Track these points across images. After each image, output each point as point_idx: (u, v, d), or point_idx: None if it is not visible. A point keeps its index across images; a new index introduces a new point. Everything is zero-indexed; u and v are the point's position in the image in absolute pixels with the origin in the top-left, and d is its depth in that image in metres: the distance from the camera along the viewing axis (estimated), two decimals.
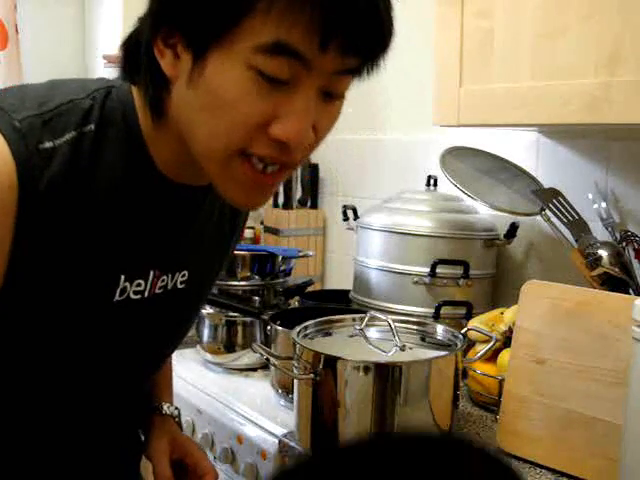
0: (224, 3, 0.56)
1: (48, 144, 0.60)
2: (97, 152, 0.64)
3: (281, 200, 1.98)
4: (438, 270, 1.30)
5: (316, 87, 0.60)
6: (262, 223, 1.97)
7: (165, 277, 0.73)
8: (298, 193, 1.96)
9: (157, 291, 0.73)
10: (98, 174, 0.64)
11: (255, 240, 1.92)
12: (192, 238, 0.76)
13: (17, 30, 2.06)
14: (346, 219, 1.58)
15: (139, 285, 0.70)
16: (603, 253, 1.14)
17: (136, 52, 0.65)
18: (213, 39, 0.58)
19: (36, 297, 0.63)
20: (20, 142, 0.59)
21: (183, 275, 0.76)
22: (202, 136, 0.62)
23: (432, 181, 1.46)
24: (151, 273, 0.71)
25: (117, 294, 0.68)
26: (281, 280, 1.60)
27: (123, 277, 0.68)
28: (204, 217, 0.77)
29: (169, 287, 0.75)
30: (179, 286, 0.76)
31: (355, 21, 0.56)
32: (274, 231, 1.92)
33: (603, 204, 1.26)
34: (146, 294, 0.71)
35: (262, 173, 0.63)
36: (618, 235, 1.20)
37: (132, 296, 0.70)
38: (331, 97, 0.62)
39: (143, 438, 0.90)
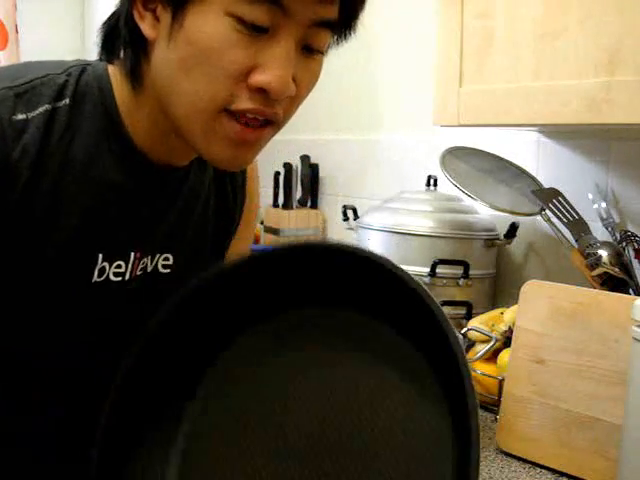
0: None
1: (21, 116, 0.60)
2: (71, 127, 0.63)
3: (281, 200, 1.99)
4: (438, 270, 1.30)
5: (295, 38, 0.60)
6: (262, 223, 1.97)
7: (146, 259, 0.72)
8: (298, 193, 1.97)
9: (137, 273, 0.72)
10: (72, 149, 0.63)
11: (255, 240, 1.93)
12: (175, 221, 0.75)
13: (17, 30, 2.07)
14: (346, 219, 1.58)
15: (119, 267, 0.69)
16: (603, 253, 1.14)
17: (116, 26, 0.66)
18: None
19: (11, 273, 0.63)
20: None
21: (166, 259, 0.75)
22: (183, 95, 0.61)
23: (432, 181, 1.46)
24: (132, 254, 0.70)
25: (95, 274, 0.67)
26: None
27: (101, 256, 0.67)
28: (188, 201, 0.75)
29: (149, 269, 0.73)
30: (161, 270, 0.75)
31: None
32: (274, 231, 1.92)
33: (603, 204, 1.26)
34: (127, 276, 0.70)
35: (250, 129, 0.62)
36: (618, 235, 1.20)
37: (112, 277, 0.69)
38: (310, 51, 0.63)
39: None
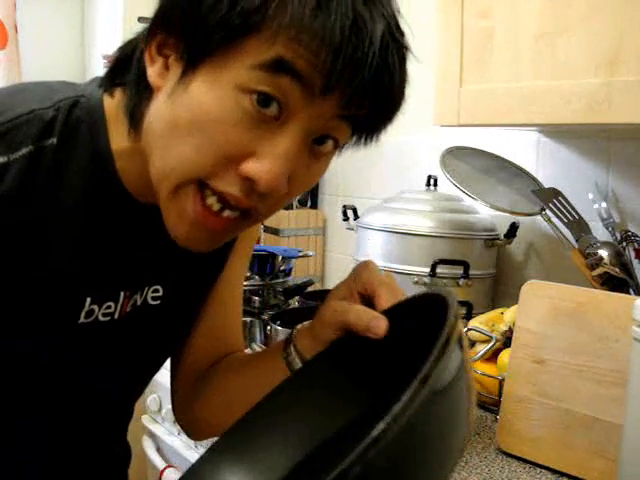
0: (229, 19, 0.51)
1: (1, 159, 0.56)
2: (58, 167, 0.59)
3: None
4: (438, 270, 1.30)
5: (306, 129, 0.54)
6: (262, 223, 1.98)
7: (136, 295, 0.69)
8: None
9: (127, 309, 0.69)
10: (58, 190, 0.59)
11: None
12: (165, 254, 0.70)
13: (17, 30, 2.06)
14: (346, 219, 1.58)
15: (109, 307, 0.66)
16: (603, 253, 1.14)
17: (130, 57, 0.61)
18: (210, 52, 0.53)
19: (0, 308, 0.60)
20: None
21: (155, 290, 0.72)
22: (165, 155, 0.56)
23: (432, 181, 1.47)
24: (121, 295, 0.67)
25: (82, 316, 0.64)
26: (281, 280, 1.60)
27: (89, 299, 0.64)
28: None
29: (138, 303, 0.70)
30: (151, 302, 0.72)
31: (364, 73, 0.52)
32: (274, 231, 1.92)
33: (603, 204, 1.26)
34: (116, 316, 0.68)
35: (215, 215, 0.56)
36: (618, 235, 1.20)
37: (101, 318, 0.66)
38: (321, 143, 0.57)
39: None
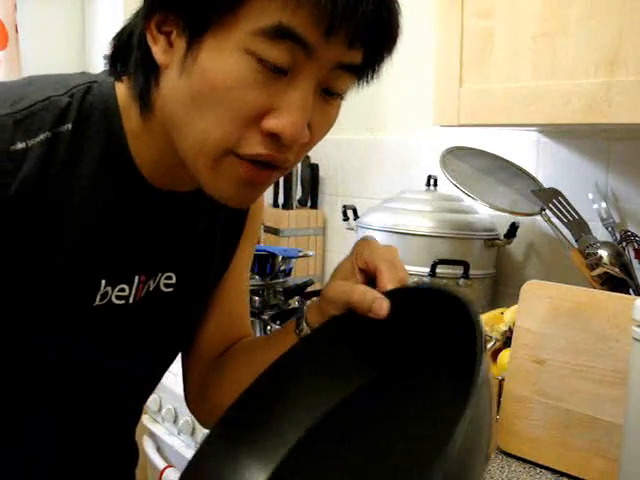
0: None
1: (20, 145, 0.58)
2: (74, 153, 0.61)
3: (281, 200, 1.99)
4: (438, 270, 1.30)
5: (316, 80, 0.57)
6: (262, 223, 1.98)
7: (150, 281, 0.71)
8: (298, 193, 1.97)
9: (142, 294, 0.70)
10: (75, 176, 0.61)
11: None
12: (179, 240, 0.73)
13: (17, 30, 2.06)
14: (346, 219, 1.58)
15: (122, 290, 0.67)
16: (603, 253, 1.14)
17: (128, 43, 0.62)
18: (211, 23, 0.54)
19: (12, 300, 0.61)
20: None
21: (168, 277, 0.73)
22: (191, 130, 0.58)
23: (432, 181, 1.47)
24: (136, 278, 0.68)
25: (97, 299, 0.65)
26: (281, 280, 1.60)
27: (104, 282, 0.65)
28: (192, 219, 0.73)
29: (151, 288, 0.71)
30: (164, 289, 0.73)
31: (364, 12, 0.54)
32: (274, 231, 1.92)
33: (603, 204, 1.26)
34: (130, 299, 0.69)
35: (255, 167, 0.59)
36: (618, 235, 1.20)
37: (115, 301, 0.67)
38: (330, 94, 0.59)
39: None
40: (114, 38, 0.65)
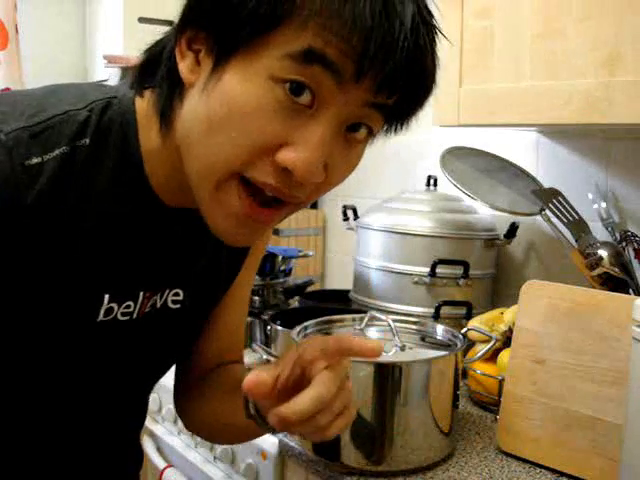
0: (259, 9, 0.51)
1: (35, 160, 0.57)
2: (89, 167, 0.59)
3: None
4: (438, 270, 1.30)
5: (340, 117, 0.54)
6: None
7: (156, 297, 0.70)
8: None
9: (146, 310, 0.69)
10: (88, 190, 0.60)
11: None
12: (187, 257, 0.72)
13: (17, 30, 2.06)
14: (346, 219, 1.58)
15: (128, 307, 0.66)
16: (603, 253, 1.14)
17: (159, 56, 0.61)
18: (239, 45, 0.53)
19: (17, 312, 0.60)
20: (4, 158, 0.55)
21: (176, 294, 0.72)
22: (201, 151, 0.56)
23: (432, 181, 1.46)
24: (141, 295, 0.67)
25: (102, 314, 0.65)
26: (281, 280, 1.60)
27: (107, 297, 0.64)
28: (200, 235, 0.71)
29: (158, 305, 0.71)
30: (171, 305, 0.72)
31: (395, 62, 0.52)
32: (274, 231, 1.92)
33: (603, 204, 1.26)
34: (135, 315, 0.68)
35: (259, 206, 0.57)
36: (618, 235, 1.20)
37: (120, 317, 0.66)
38: (355, 130, 0.56)
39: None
40: (146, 50, 0.63)
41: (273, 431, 0.70)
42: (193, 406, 0.84)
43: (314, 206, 1.98)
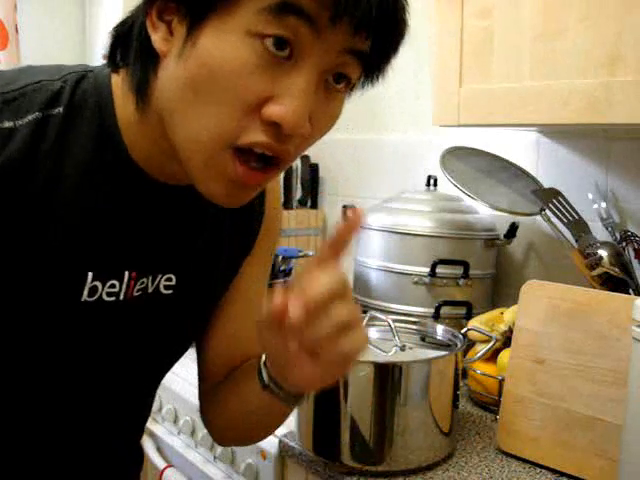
0: None
1: (7, 124, 0.57)
2: (63, 136, 0.59)
3: (281, 200, 1.98)
4: (438, 270, 1.30)
5: (320, 66, 0.55)
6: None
7: (145, 279, 0.68)
8: (298, 193, 1.97)
9: (135, 294, 0.67)
10: (63, 160, 0.59)
11: None
12: (179, 240, 0.70)
13: (17, 30, 2.06)
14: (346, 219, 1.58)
15: (113, 286, 0.65)
16: (603, 253, 1.14)
17: (128, 34, 0.61)
18: (212, 5, 0.53)
19: None
20: None
21: (168, 279, 0.70)
22: (187, 121, 0.56)
23: (432, 181, 1.46)
24: (126, 274, 0.65)
25: (85, 293, 0.63)
26: (281, 280, 1.60)
27: (91, 275, 0.63)
28: (193, 218, 0.70)
29: (149, 290, 0.69)
30: (163, 291, 0.70)
31: (369, 2, 0.52)
32: None
33: (603, 204, 1.26)
34: (121, 296, 0.66)
35: (254, 171, 0.57)
36: (618, 235, 1.20)
37: (105, 298, 0.64)
38: (335, 81, 0.57)
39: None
40: (114, 28, 0.63)
41: (294, 401, 0.69)
42: (218, 419, 0.81)
43: (314, 206, 1.98)
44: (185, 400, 1.30)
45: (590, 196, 1.28)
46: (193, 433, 1.30)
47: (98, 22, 2.27)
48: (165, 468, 1.34)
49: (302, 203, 1.96)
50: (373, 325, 1.07)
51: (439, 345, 1.05)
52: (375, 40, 0.56)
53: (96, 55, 2.23)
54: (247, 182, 0.58)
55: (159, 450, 1.41)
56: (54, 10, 2.28)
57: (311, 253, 1.78)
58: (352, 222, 0.57)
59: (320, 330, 0.55)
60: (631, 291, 1.13)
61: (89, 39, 2.32)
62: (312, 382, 0.61)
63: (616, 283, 1.13)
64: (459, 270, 1.32)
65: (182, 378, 1.35)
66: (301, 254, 1.71)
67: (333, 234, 0.57)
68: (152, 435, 1.43)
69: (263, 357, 0.70)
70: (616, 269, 1.13)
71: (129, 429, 0.82)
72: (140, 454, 0.86)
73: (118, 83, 0.63)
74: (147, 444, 1.42)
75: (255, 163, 0.57)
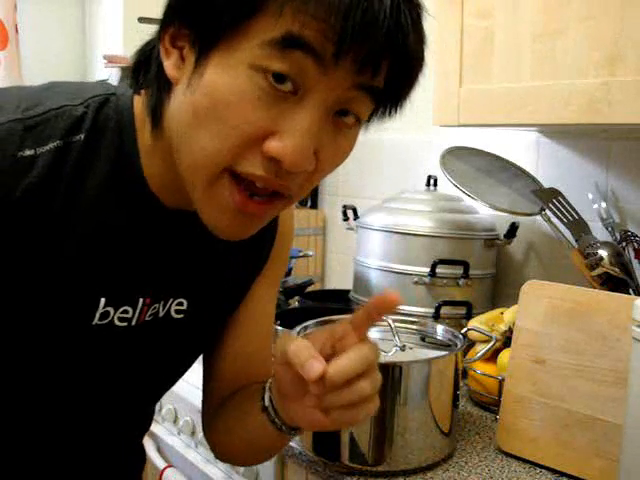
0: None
1: (28, 152, 0.56)
2: (84, 164, 0.59)
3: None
4: (438, 270, 1.30)
5: (327, 102, 0.53)
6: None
7: (157, 304, 0.68)
8: None
9: (147, 318, 0.67)
10: (82, 188, 0.59)
11: None
12: (190, 265, 0.70)
13: (17, 30, 2.06)
14: (346, 219, 1.58)
15: (126, 312, 0.65)
16: (603, 253, 1.14)
17: (149, 56, 0.61)
18: (219, 37, 0.53)
19: (10, 309, 0.59)
20: None
21: (179, 303, 0.70)
22: (190, 146, 0.55)
23: (432, 181, 1.46)
24: (140, 301, 0.66)
25: (97, 317, 0.63)
26: (281, 280, 1.60)
27: (104, 300, 0.63)
28: (204, 243, 0.69)
29: (160, 314, 0.69)
30: (174, 315, 0.70)
31: (377, 38, 0.51)
32: None
33: (603, 204, 1.26)
34: (133, 322, 0.66)
35: (252, 200, 0.56)
36: (618, 235, 1.20)
37: (117, 323, 0.65)
38: (344, 115, 0.55)
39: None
40: (137, 51, 0.63)
41: (288, 431, 0.69)
42: (217, 434, 0.81)
43: (314, 206, 1.98)
44: (185, 400, 1.30)
45: (590, 196, 1.28)
46: (193, 433, 1.30)
47: (98, 22, 2.27)
48: (165, 468, 1.34)
49: (302, 203, 1.96)
50: (373, 325, 1.07)
51: (439, 345, 1.05)
52: (388, 75, 0.54)
53: (96, 55, 2.23)
54: (247, 211, 0.57)
55: (159, 450, 1.41)
56: (54, 10, 2.28)
57: (311, 253, 1.78)
58: (389, 304, 0.59)
59: (340, 400, 0.57)
60: (631, 291, 1.13)
61: (89, 39, 2.32)
62: (313, 426, 0.62)
63: (616, 283, 1.13)
64: (459, 270, 1.32)
65: (182, 378, 1.35)
66: (301, 254, 1.71)
67: (371, 302, 0.59)
68: (152, 435, 1.43)
69: (270, 381, 0.70)
70: (616, 269, 1.13)
71: (132, 435, 0.83)
72: (142, 455, 0.87)
73: (139, 107, 0.62)
74: (147, 444, 1.42)
75: (258, 197, 0.56)
